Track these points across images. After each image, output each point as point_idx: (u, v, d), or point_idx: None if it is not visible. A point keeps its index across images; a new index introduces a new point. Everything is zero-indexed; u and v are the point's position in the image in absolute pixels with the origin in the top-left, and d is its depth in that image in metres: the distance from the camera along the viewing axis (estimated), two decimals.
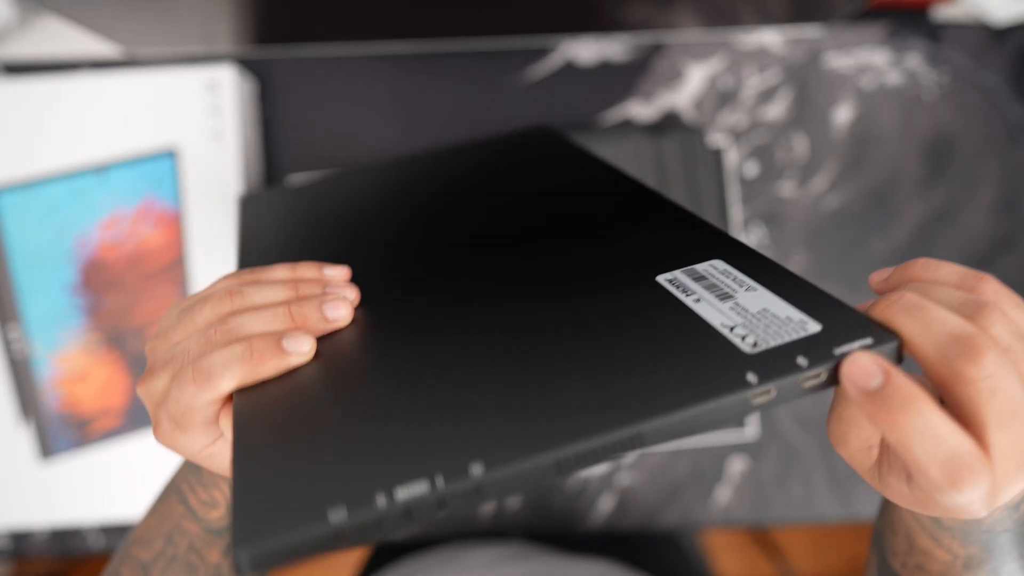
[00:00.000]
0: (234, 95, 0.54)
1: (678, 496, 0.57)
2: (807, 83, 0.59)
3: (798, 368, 0.23)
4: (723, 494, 0.57)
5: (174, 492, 0.37)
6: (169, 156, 0.55)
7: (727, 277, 0.29)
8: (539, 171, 0.44)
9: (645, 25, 0.56)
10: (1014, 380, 0.23)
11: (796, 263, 0.58)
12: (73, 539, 0.56)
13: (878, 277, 0.29)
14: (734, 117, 0.59)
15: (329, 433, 0.25)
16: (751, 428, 0.55)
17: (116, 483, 0.54)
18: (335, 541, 0.21)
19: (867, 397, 0.23)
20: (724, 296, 0.27)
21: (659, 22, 0.55)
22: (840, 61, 0.59)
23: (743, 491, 0.57)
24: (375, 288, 0.34)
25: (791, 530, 1.38)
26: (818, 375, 0.24)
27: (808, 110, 0.59)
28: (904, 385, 0.22)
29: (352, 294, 0.33)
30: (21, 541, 0.56)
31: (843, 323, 0.25)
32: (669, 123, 0.58)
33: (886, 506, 0.32)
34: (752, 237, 0.58)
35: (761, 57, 0.59)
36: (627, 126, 0.58)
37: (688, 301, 0.28)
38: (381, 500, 0.22)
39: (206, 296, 0.30)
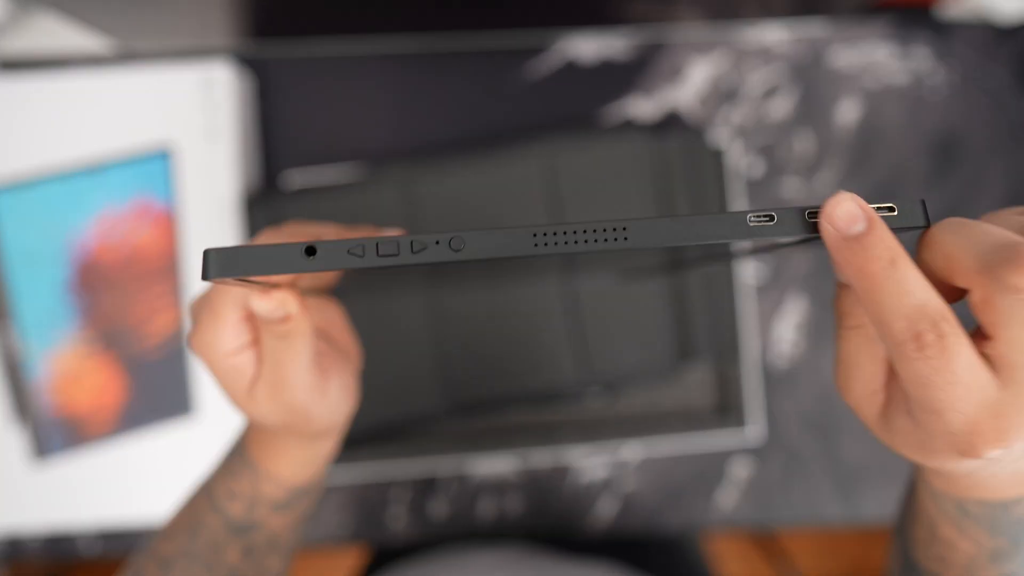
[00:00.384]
0: (231, 93, 0.54)
1: (681, 499, 0.56)
2: (811, 81, 0.58)
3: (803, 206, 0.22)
4: (726, 497, 0.56)
5: (203, 487, 0.38)
6: (164, 155, 0.54)
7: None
8: None
9: (647, 19, 0.55)
10: None
11: (800, 262, 0.57)
12: (67, 543, 0.55)
13: None
14: (737, 115, 0.58)
15: None
16: (754, 431, 0.55)
17: (110, 485, 0.54)
18: (303, 256, 0.21)
19: (845, 243, 0.22)
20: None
21: (661, 15, 0.55)
22: (845, 59, 0.58)
23: (746, 494, 0.56)
24: None
25: (795, 534, 1.37)
26: (822, 208, 0.22)
27: (813, 108, 0.58)
28: (886, 237, 0.22)
29: None
30: (15, 545, 0.55)
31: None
32: (671, 121, 0.58)
33: (909, 495, 0.31)
34: None
35: (764, 55, 0.58)
36: (628, 125, 0.57)
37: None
38: (352, 241, 0.21)
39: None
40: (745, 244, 0.22)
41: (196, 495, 0.38)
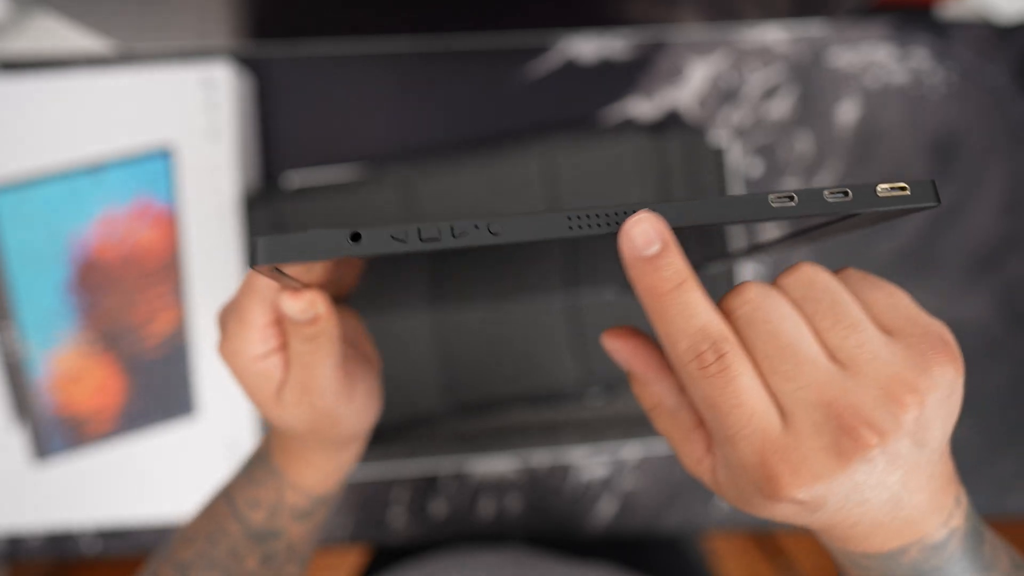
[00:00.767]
0: (231, 93, 0.54)
1: (681, 499, 0.56)
2: (811, 81, 0.58)
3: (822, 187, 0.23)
4: None
5: (223, 493, 0.38)
6: (165, 154, 0.54)
7: None
8: None
9: (647, 19, 0.55)
10: (784, 317, 0.22)
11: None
12: (67, 542, 0.55)
13: None
14: (737, 115, 0.58)
15: None
16: None
17: (110, 484, 0.54)
18: (349, 241, 0.22)
19: (639, 262, 0.22)
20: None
21: (661, 15, 0.55)
22: (844, 59, 0.58)
23: None
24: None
25: (794, 533, 1.37)
26: (844, 192, 0.22)
27: (812, 108, 0.58)
28: (677, 260, 0.22)
29: None
30: (16, 544, 0.55)
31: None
32: (671, 121, 0.58)
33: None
34: (755, 236, 0.57)
35: (764, 55, 0.58)
36: (628, 125, 0.57)
37: None
38: (395, 227, 0.22)
39: None
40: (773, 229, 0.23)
41: (216, 501, 0.38)
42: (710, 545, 1.37)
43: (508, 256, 0.30)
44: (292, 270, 0.24)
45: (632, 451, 0.57)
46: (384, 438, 0.54)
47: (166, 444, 0.54)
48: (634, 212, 0.22)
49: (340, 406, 0.32)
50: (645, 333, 0.28)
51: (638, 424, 0.54)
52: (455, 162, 0.53)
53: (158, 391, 0.54)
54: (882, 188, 0.22)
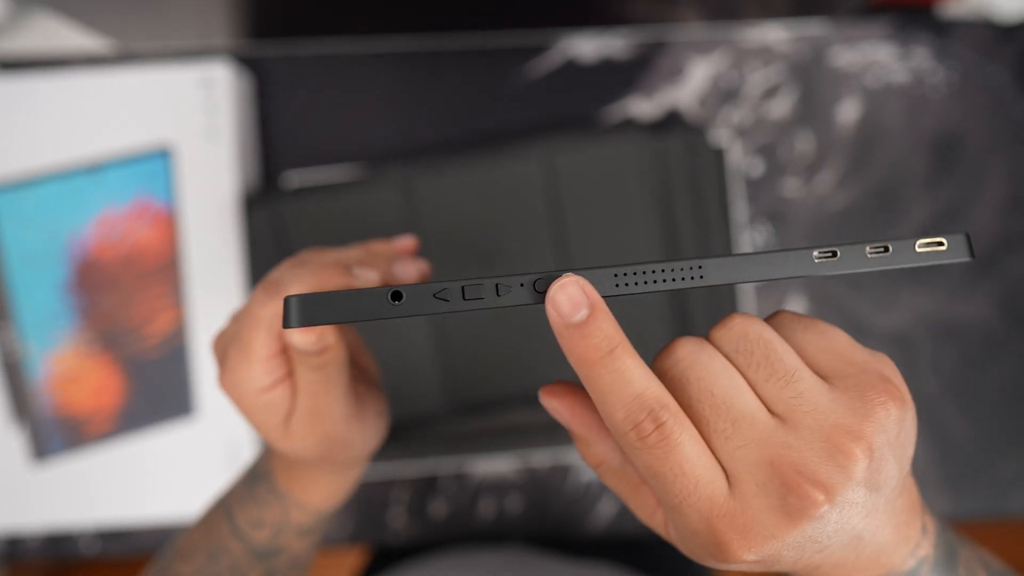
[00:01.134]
0: (230, 92, 0.54)
1: None
2: (812, 80, 0.58)
3: (863, 241, 0.23)
4: None
5: (222, 508, 0.37)
6: (164, 154, 0.54)
7: None
8: None
9: (647, 19, 0.55)
10: (717, 373, 0.22)
11: None
12: (66, 542, 0.55)
13: None
14: (738, 115, 0.58)
15: None
16: None
17: (110, 485, 0.54)
18: (390, 301, 0.21)
19: (567, 329, 0.21)
20: None
21: (661, 15, 0.55)
22: (845, 58, 0.58)
23: None
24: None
25: None
26: (884, 248, 0.23)
27: (813, 108, 0.58)
28: (607, 325, 0.21)
29: (420, 264, 0.34)
30: (15, 545, 0.55)
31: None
32: (671, 121, 0.58)
33: None
34: (757, 236, 0.57)
35: (765, 54, 0.58)
36: (628, 125, 0.57)
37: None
38: (439, 285, 0.22)
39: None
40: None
41: (214, 516, 0.37)
42: None
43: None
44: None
45: None
46: (384, 438, 0.53)
47: (165, 445, 0.54)
48: (687, 267, 0.22)
49: (352, 430, 0.31)
50: (583, 389, 0.26)
51: None
52: (455, 162, 0.53)
53: (157, 391, 0.54)
54: (920, 244, 0.23)
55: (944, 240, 0.23)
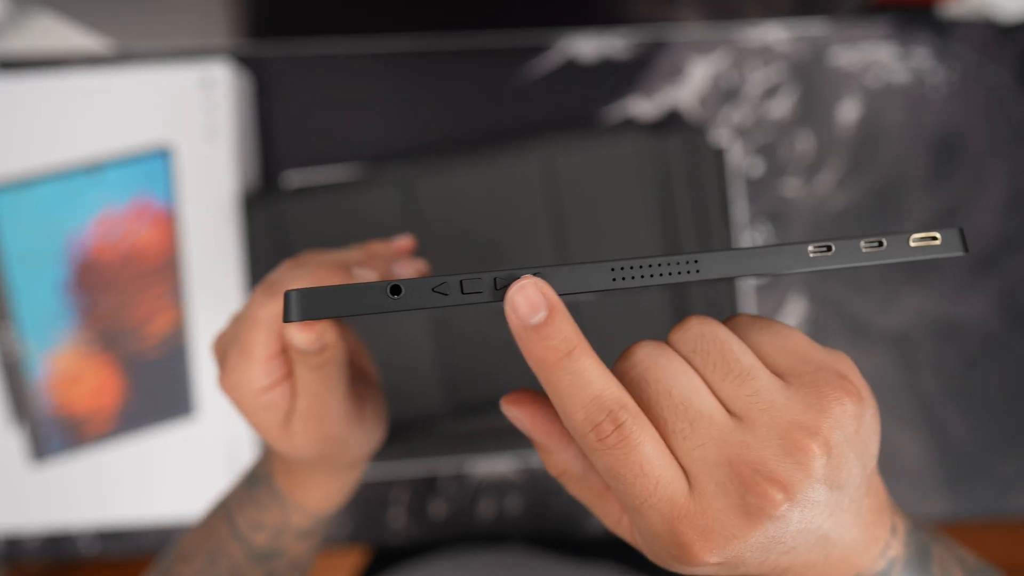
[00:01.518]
0: (229, 92, 0.54)
1: None
2: (812, 80, 0.58)
3: (857, 236, 0.23)
4: None
5: (223, 511, 0.37)
6: (163, 154, 0.54)
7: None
8: None
9: (647, 18, 0.55)
10: (675, 374, 0.22)
11: None
12: (66, 543, 0.55)
13: None
14: (738, 114, 0.58)
15: None
16: None
17: (110, 485, 0.54)
18: (389, 295, 0.21)
19: (525, 331, 0.21)
20: None
21: (661, 15, 0.55)
22: (845, 58, 0.58)
23: None
24: None
25: None
26: (879, 243, 0.23)
27: (813, 108, 0.58)
28: (565, 327, 0.21)
29: (419, 263, 0.34)
30: (14, 545, 0.55)
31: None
32: (671, 121, 0.58)
33: None
34: (758, 236, 0.57)
35: (765, 54, 0.58)
36: (628, 125, 0.57)
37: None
38: (438, 279, 0.22)
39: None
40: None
41: (215, 518, 0.37)
42: None
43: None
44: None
45: None
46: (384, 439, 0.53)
47: (165, 445, 0.54)
48: (683, 261, 0.22)
49: (351, 430, 0.31)
50: (545, 397, 0.26)
51: None
52: (455, 162, 0.53)
53: (157, 391, 0.54)
54: (914, 238, 0.23)
55: (938, 235, 0.23)
